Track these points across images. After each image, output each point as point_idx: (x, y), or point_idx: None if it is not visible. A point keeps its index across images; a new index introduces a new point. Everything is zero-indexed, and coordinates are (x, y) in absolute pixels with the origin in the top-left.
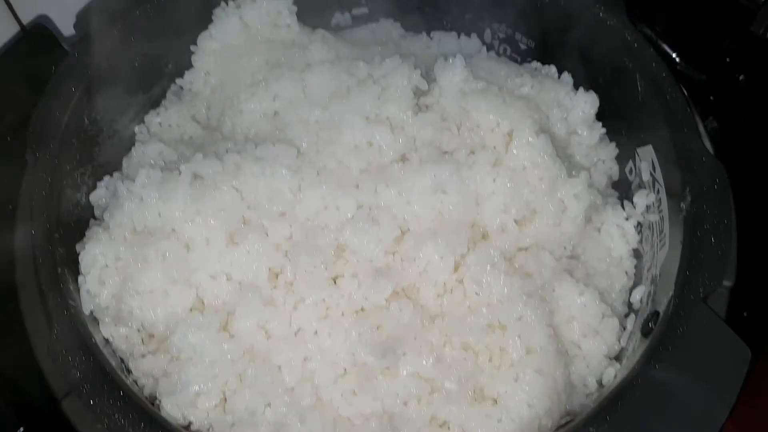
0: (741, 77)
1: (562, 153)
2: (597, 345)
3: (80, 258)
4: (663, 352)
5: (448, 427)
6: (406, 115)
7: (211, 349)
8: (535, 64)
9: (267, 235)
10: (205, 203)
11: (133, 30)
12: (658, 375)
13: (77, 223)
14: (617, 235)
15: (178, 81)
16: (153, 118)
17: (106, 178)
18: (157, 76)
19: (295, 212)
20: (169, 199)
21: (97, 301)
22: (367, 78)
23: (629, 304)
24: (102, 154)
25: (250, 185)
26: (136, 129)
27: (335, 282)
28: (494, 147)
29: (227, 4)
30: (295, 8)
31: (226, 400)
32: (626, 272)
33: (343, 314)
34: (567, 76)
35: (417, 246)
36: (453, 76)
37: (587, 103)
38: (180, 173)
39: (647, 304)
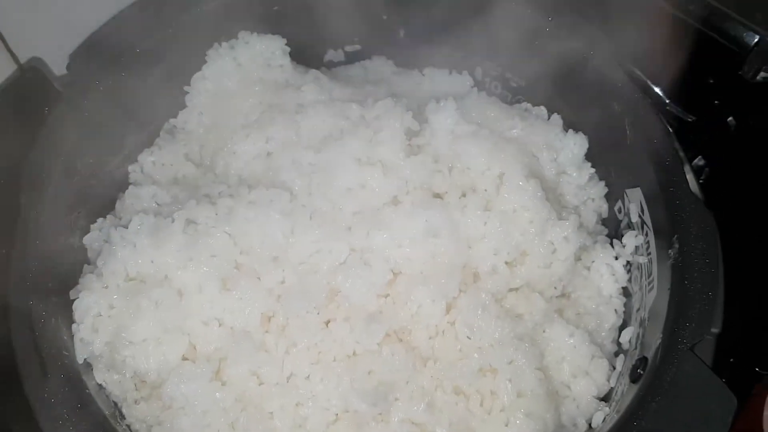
0: (730, 119)
1: (551, 194)
2: (587, 386)
3: (74, 306)
4: (651, 402)
5: None
6: (398, 157)
7: (203, 399)
8: (525, 104)
9: (259, 279)
10: (198, 250)
11: (127, 70)
12: (646, 426)
13: (71, 267)
14: (607, 274)
15: (172, 120)
16: (147, 158)
17: (100, 220)
18: (151, 115)
19: (288, 256)
20: (162, 246)
21: (90, 349)
22: (360, 120)
23: (618, 344)
24: (95, 196)
25: (242, 230)
26: (130, 168)
27: (327, 326)
28: (485, 190)
29: (221, 45)
30: (288, 49)
31: None
32: (615, 311)
33: (335, 359)
34: (556, 117)
35: (409, 289)
36: (444, 119)
37: (576, 144)
38: (173, 220)
39: (636, 346)
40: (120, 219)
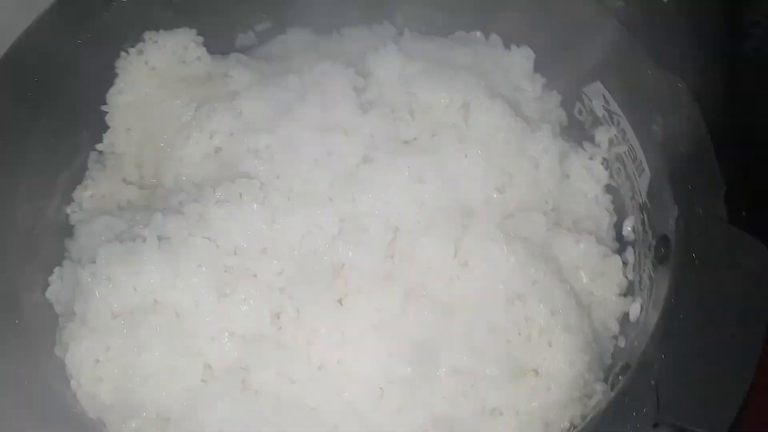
0: None
1: (516, 111)
2: (608, 286)
3: (66, 362)
4: (690, 273)
5: (501, 413)
6: (356, 115)
7: (241, 414)
8: (460, 33)
9: (255, 276)
10: (180, 264)
11: (33, 105)
12: (694, 297)
13: (43, 324)
14: (587, 177)
15: (98, 146)
16: (82, 193)
17: (57, 269)
18: (73, 147)
19: (278, 245)
20: (139, 271)
21: (100, 400)
22: (303, 89)
23: (621, 238)
24: (43, 247)
25: (221, 231)
26: (68, 210)
27: (342, 304)
28: (454, 123)
29: (128, 53)
30: (201, 38)
31: None
32: (606, 209)
33: (361, 335)
34: (495, 37)
35: (412, 243)
36: (390, 64)
37: (523, 57)
38: (144, 240)
39: (644, 231)
40: (79, 261)
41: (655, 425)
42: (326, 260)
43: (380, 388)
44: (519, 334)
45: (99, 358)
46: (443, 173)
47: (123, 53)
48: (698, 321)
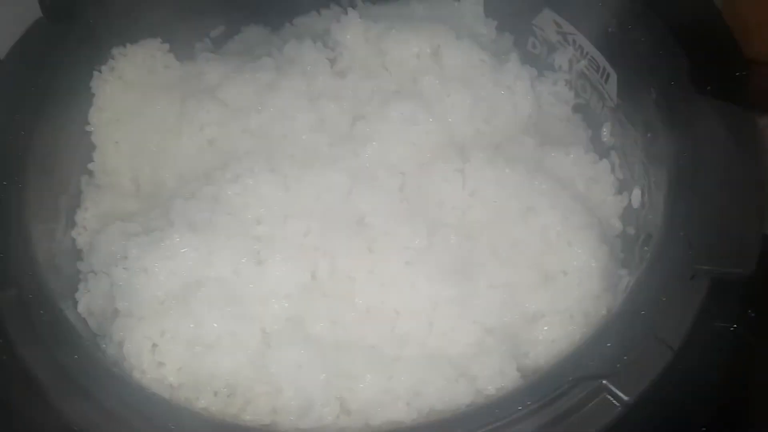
0: None
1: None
2: (603, 189)
3: (125, 354)
4: (683, 140)
5: (544, 315)
6: (336, 81)
7: (310, 361)
8: None
9: (285, 240)
10: (211, 242)
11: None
12: (695, 158)
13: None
14: (555, 101)
15: (90, 166)
16: (83, 215)
17: (81, 285)
18: (68, 169)
19: (297, 208)
20: (173, 255)
21: (167, 383)
22: (280, 69)
23: (602, 145)
24: (63, 278)
25: (240, 205)
26: (73, 234)
27: (371, 250)
28: (430, 69)
29: (101, 71)
30: (167, 45)
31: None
32: (580, 126)
33: (398, 272)
34: None
35: (420, 183)
36: (354, 29)
37: (473, 3)
38: (173, 224)
39: (623, 129)
40: (105, 267)
41: (692, 277)
42: (347, 214)
43: (428, 316)
44: (540, 241)
45: (156, 343)
46: (433, 113)
47: (96, 72)
48: (704, 177)
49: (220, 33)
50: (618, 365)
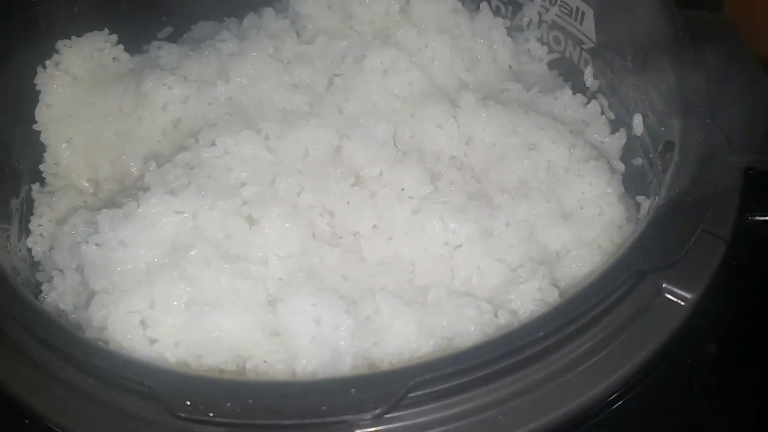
0: None
1: None
2: (597, 128)
3: (109, 334)
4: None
5: (569, 250)
6: (303, 47)
7: (332, 314)
8: None
9: (277, 199)
10: (195, 204)
11: None
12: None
13: None
14: (529, 60)
15: (41, 167)
16: (38, 220)
17: (45, 285)
18: (16, 175)
19: (286, 167)
20: (154, 224)
21: (163, 359)
22: (242, 35)
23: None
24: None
25: (222, 168)
26: (29, 243)
27: (372, 204)
28: (402, 22)
29: (45, 68)
30: (115, 37)
31: None
32: (558, 80)
33: (405, 222)
34: None
35: (414, 131)
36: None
37: None
38: (148, 189)
39: (607, 68)
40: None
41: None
42: (340, 169)
43: (447, 262)
44: (549, 177)
45: (145, 316)
46: (414, 61)
47: (40, 68)
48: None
49: (168, 33)
50: (674, 261)
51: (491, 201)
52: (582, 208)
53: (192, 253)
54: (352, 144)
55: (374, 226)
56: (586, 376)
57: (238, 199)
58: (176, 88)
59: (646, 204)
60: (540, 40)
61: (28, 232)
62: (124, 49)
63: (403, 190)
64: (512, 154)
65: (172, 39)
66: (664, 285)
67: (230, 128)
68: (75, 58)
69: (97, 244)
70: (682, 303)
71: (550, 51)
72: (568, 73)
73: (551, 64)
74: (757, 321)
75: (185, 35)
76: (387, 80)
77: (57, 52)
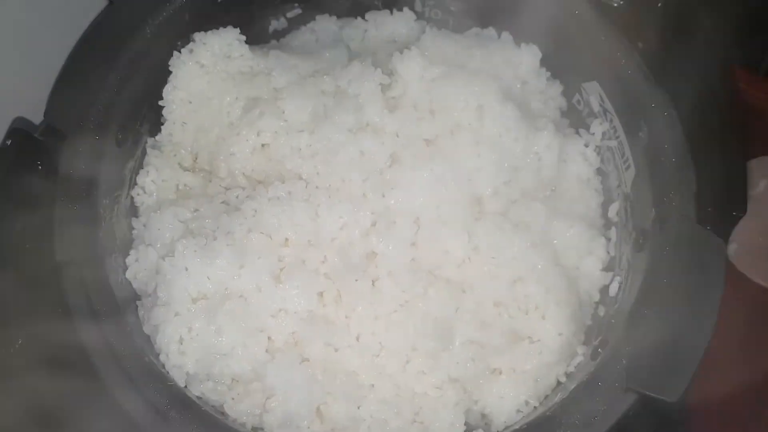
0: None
1: (523, 107)
2: (593, 263)
3: (156, 340)
4: (661, 263)
5: (501, 372)
6: (383, 114)
7: (300, 378)
8: (476, 29)
9: (304, 263)
10: (244, 257)
11: (101, 104)
12: (660, 291)
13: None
14: (581, 161)
15: (158, 137)
16: (144, 179)
17: (132, 252)
18: (137, 139)
19: (320, 237)
20: (212, 263)
21: (185, 371)
22: (337, 90)
23: (607, 218)
24: (119, 230)
25: (274, 226)
26: (133, 193)
27: (374, 285)
28: (469, 124)
29: (180, 52)
30: (243, 37)
31: (322, 414)
32: (596, 190)
33: (394, 311)
34: (507, 35)
35: (432, 233)
36: (413, 67)
37: (530, 54)
38: (215, 238)
39: (626, 218)
40: (154, 246)
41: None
42: (361, 249)
43: (407, 355)
44: (518, 309)
45: (183, 337)
46: (459, 172)
47: (176, 52)
48: (663, 308)
49: (295, 15)
50: None
51: (463, 319)
52: (530, 341)
53: (225, 305)
54: (378, 232)
55: (369, 304)
56: None
57: (276, 258)
58: (272, 123)
59: (578, 359)
60: (598, 149)
61: (134, 185)
62: (249, 24)
63: (400, 283)
64: (500, 281)
65: (295, 22)
66: None
67: (292, 190)
68: (205, 50)
69: (171, 265)
70: None
71: (602, 162)
72: (607, 188)
73: (599, 171)
74: None
75: (308, 25)
76: (431, 186)
77: (193, 41)
